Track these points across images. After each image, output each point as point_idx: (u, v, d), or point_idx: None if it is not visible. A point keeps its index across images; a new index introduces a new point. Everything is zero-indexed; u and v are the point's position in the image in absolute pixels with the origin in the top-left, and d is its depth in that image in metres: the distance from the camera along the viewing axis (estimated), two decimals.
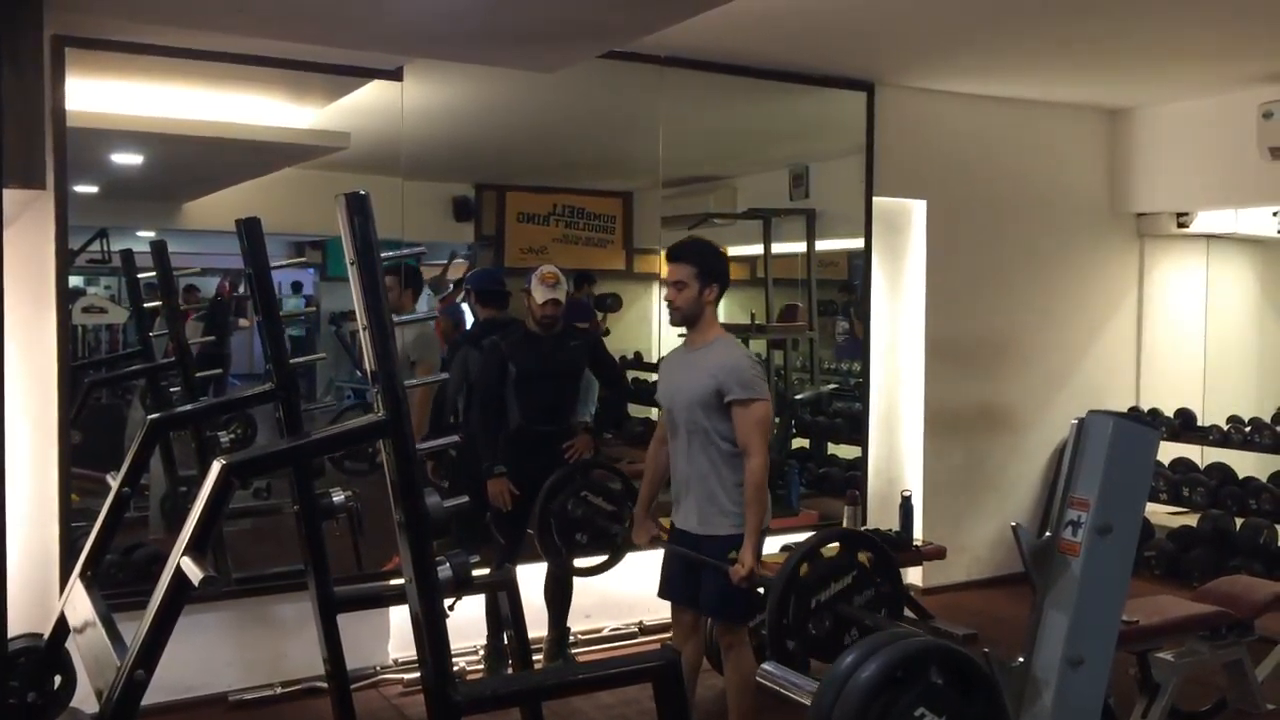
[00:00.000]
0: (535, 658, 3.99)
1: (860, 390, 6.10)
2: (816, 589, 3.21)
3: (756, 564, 3.46)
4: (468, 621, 4.58)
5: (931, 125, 6.01)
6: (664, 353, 5.94)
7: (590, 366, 4.72)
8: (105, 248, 4.73)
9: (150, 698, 2.28)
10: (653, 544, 3.88)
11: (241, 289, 5.84)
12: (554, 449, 4.58)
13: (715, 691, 4.41)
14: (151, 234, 4.87)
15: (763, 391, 3.53)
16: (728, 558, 3.50)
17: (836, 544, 3.42)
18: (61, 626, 3.18)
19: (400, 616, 4.57)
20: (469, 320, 5.70)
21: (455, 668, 3.90)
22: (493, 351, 4.54)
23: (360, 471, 5.01)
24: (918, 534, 5.49)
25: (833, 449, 6.56)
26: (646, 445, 3.94)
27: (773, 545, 4.63)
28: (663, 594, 3.81)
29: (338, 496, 3.31)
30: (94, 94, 4.36)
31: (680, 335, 3.95)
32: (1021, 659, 2.82)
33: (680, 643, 3.80)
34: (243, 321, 5.90)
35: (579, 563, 4.29)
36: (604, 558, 4.32)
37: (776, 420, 6.53)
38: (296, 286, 6.29)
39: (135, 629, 2.26)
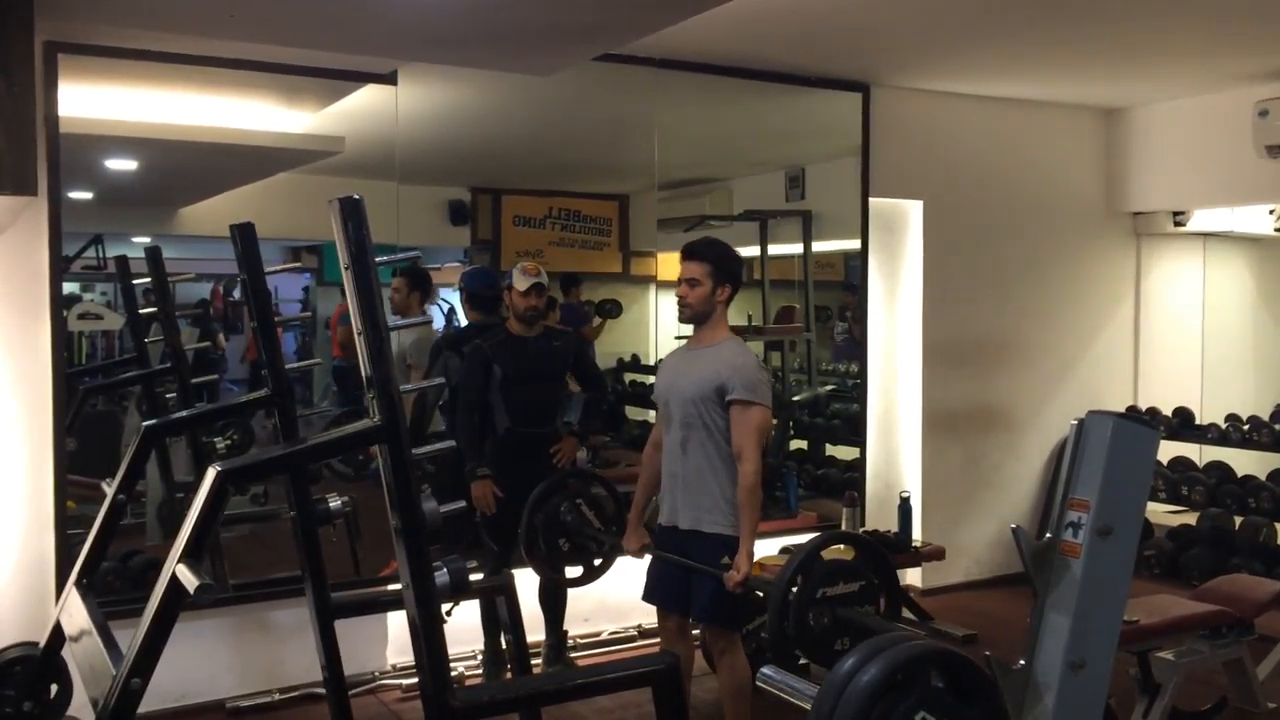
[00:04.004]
0: (534, 662, 3.98)
1: (858, 391, 6.09)
2: (825, 582, 3.18)
3: (750, 567, 3.43)
4: (466, 626, 4.57)
5: (927, 126, 6.01)
6: (661, 355, 5.95)
7: (572, 368, 4.70)
8: (100, 254, 4.72)
9: (147, 705, 2.27)
10: (642, 552, 3.85)
11: (235, 295, 5.84)
12: (542, 452, 4.56)
13: (713, 694, 4.40)
14: (147, 240, 4.86)
15: (765, 397, 3.49)
16: (721, 563, 3.46)
17: (849, 547, 3.40)
18: (57, 635, 3.17)
19: (398, 621, 4.55)
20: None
21: (454, 673, 3.90)
22: (476, 354, 4.51)
23: (347, 477, 5.00)
24: (916, 535, 5.48)
25: (831, 450, 6.56)
26: (645, 445, 3.90)
27: (770, 548, 4.63)
28: (648, 598, 3.77)
29: (334, 502, 3.30)
30: (87, 100, 4.34)
31: (678, 339, 3.93)
32: (1022, 661, 2.81)
33: (668, 648, 3.75)
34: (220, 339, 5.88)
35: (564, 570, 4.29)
36: (579, 571, 4.29)
37: (774, 422, 6.54)
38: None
39: (132, 637, 2.25)
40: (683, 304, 3.59)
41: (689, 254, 3.59)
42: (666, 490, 3.68)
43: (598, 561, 4.22)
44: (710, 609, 3.56)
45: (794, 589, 3.14)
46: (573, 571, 4.27)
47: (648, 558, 3.83)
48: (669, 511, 3.67)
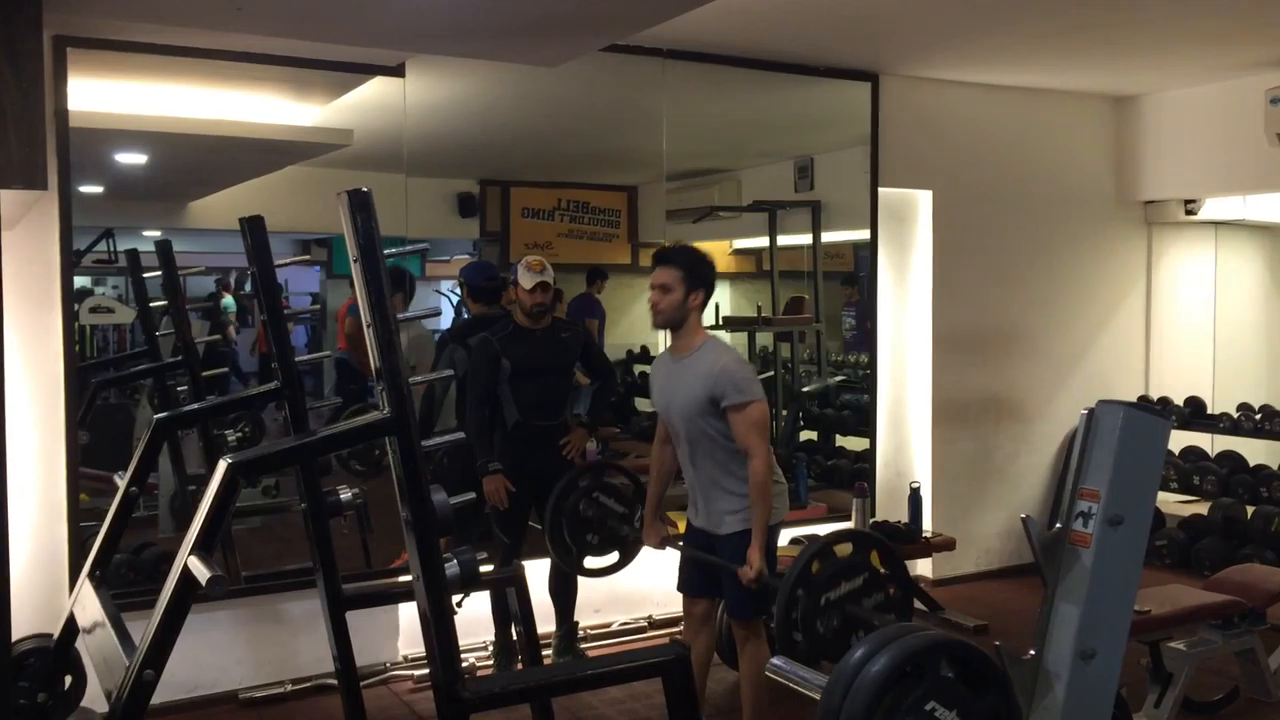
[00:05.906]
0: (544, 653, 4.00)
1: (868, 382, 6.08)
2: (826, 587, 3.19)
3: (765, 562, 3.47)
4: (477, 618, 4.58)
5: (936, 115, 5.99)
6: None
7: (580, 360, 4.71)
8: (111, 248, 4.73)
9: (160, 696, 2.28)
10: (663, 545, 3.93)
11: (246, 288, 5.85)
12: (552, 444, 4.56)
13: (725, 686, 4.41)
14: (157, 234, 4.88)
15: (757, 392, 3.52)
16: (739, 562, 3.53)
17: (849, 543, 3.41)
18: (71, 627, 3.19)
19: (410, 612, 4.55)
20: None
21: (465, 664, 3.91)
22: (485, 347, 4.50)
23: (360, 473, 5.00)
24: (927, 525, 5.48)
25: (840, 441, 6.55)
26: (653, 440, 3.94)
27: (781, 539, 4.63)
28: (682, 588, 3.84)
29: (345, 494, 3.31)
30: (96, 94, 4.35)
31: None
32: (1033, 651, 2.81)
33: (691, 636, 3.81)
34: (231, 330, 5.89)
35: (590, 563, 4.32)
36: (615, 558, 4.33)
37: (784, 413, 6.54)
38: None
39: (144, 628, 2.26)
40: (655, 310, 3.61)
41: (661, 260, 3.61)
42: (689, 492, 3.77)
43: (630, 542, 4.27)
44: (737, 606, 3.64)
45: (797, 601, 3.16)
46: (605, 560, 4.31)
47: (670, 551, 3.89)
48: (693, 513, 3.76)
